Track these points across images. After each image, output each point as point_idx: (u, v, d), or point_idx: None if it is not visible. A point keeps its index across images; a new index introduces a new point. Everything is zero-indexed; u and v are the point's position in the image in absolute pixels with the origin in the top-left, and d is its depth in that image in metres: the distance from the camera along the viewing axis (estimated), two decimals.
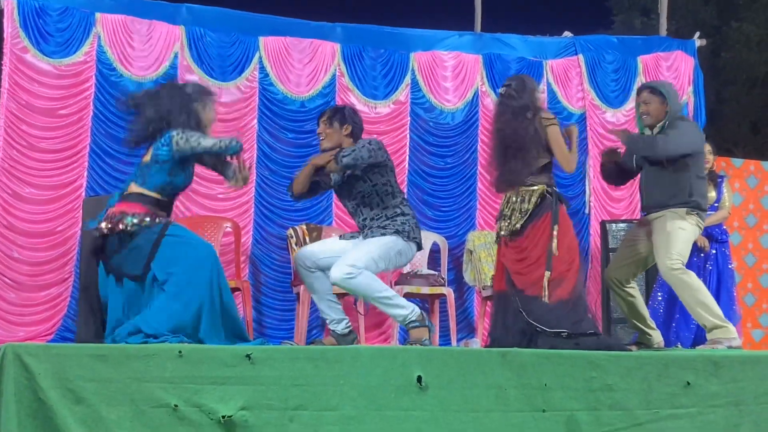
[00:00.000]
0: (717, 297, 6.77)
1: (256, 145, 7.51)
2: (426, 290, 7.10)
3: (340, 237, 5.12)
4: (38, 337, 6.66)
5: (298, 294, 6.91)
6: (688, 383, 4.17)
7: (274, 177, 7.49)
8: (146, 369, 3.59)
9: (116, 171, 7.04)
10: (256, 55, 7.57)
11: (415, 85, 7.98)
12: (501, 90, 5.19)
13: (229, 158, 4.62)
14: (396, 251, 4.87)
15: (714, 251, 6.97)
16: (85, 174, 7.02)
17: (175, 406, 3.57)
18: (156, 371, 3.60)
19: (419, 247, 5.02)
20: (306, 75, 7.70)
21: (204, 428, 3.58)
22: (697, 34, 8.92)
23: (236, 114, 7.47)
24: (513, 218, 4.97)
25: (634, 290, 5.45)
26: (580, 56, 8.40)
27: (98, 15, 7.13)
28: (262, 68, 7.58)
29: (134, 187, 4.46)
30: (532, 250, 4.91)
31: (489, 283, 7.00)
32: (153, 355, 3.62)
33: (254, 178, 7.45)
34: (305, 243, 7.04)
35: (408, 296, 6.66)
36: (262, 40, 7.59)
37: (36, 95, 6.93)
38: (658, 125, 5.34)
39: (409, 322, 4.79)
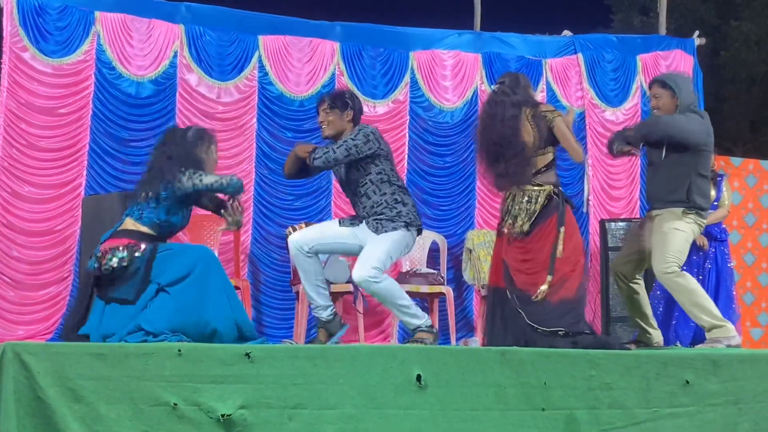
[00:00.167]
0: (716, 296, 6.79)
1: (255, 144, 7.51)
2: (425, 289, 7.10)
3: (340, 222, 5.07)
4: (37, 335, 6.66)
5: (297, 293, 6.91)
6: (687, 382, 4.18)
7: (273, 176, 7.49)
8: (145, 367, 3.59)
9: (115, 170, 7.05)
10: (256, 54, 7.57)
11: (414, 84, 7.98)
12: (494, 87, 5.13)
13: (227, 198, 4.66)
14: (405, 244, 4.92)
15: (713, 250, 6.98)
16: (85, 173, 7.01)
17: (175, 404, 3.57)
18: (155, 370, 3.60)
19: (420, 232, 5.04)
20: (305, 74, 7.70)
21: (203, 427, 3.58)
22: (697, 32, 8.92)
23: (235, 113, 7.48)
24: (520, 218, 4.92)
25: (640, 287, 5.41)
26: (580, 55, 8.40)
27: (98, 14, 7.12)
28: (261, 67, 7.58)
29: (129, 223, 4.46)
30: (538, 253, 4.87)
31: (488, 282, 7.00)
32: (152, 354, 3.62)
33: (253, 177, 7.46)
34: None
35: (407, 295, 6.65)
36: (261, 39, 7.59)
37: (35, 94, 6.92)
38: None
39: (417, 329, 4.82)
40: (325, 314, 4.94)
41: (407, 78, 7.96)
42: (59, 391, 3.51)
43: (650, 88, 5.46)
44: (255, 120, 7.53)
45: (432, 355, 3.93)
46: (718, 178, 6.95)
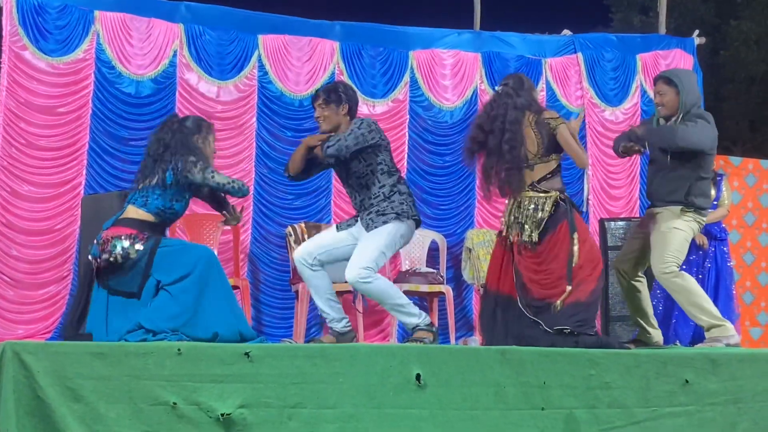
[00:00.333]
0: (716, 295, 6.80)
1: (255, 144, 7.50)
2: (425, 288, 7.11)
3: (337, 227, 5.08)
4: (37, 334, 6.66)
5: (296, 292, 6.92)
6: (687, 381, 4.18)
7: (272, 175, 7.49)
8: (145, 367, 3.59)
9: (115, 169, 7.04)
10: (255, 53, 7.56)
11: (414, 84, 7.98)
12: (498, 88, 5.04)
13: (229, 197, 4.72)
14: (399, 235, 4.88)
15: (713, 249, 6.98)
16: (84, 172, 7.01)
17: (174, 404, 3.58)
18: (155, 369, 3.60)
19: (418, 224, 5.02)
20: (305, 73, 7.70)
21: (202, 426, 3.59)
22: (696, 32, 8.92)
23: (235, 112, 7.47)
24: (527, 227, 4.82)
25: (642, 285, 5.39)
26: (579, 54, 8.40)
27: (97, 13, 7.12)
28: (261, 66, 7.58)
29: (132, 211, 4.47)
30: (553, 262, 4.78)
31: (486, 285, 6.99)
32: (152, 353, 3.63)
33: (253, 176, 7.46)
34: (304, 241, 7.03)
35: (407, 294, 6.62)
36: (261, 38, 7.59)
37: (35, 93, 6.92)
38: (673, 118, 5.20)
39: (416, 328, 4.81)
40: (339, 326, 4.92)
41: (407, 77, 7.95)
42: (59, 391, 3.51)
43: (655, 84, 5.38)
44: (255, 119, 7.53)
45: (431, 355, 3.93)
46: (718, 178, 6.95)
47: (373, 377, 3.80)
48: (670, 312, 6.80)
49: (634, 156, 8.13)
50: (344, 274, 4.73)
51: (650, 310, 5.46)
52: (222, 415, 3.59)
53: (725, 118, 14.99)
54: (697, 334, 6.31)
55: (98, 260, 4.37)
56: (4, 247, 6.77)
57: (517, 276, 4.88)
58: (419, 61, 8.01)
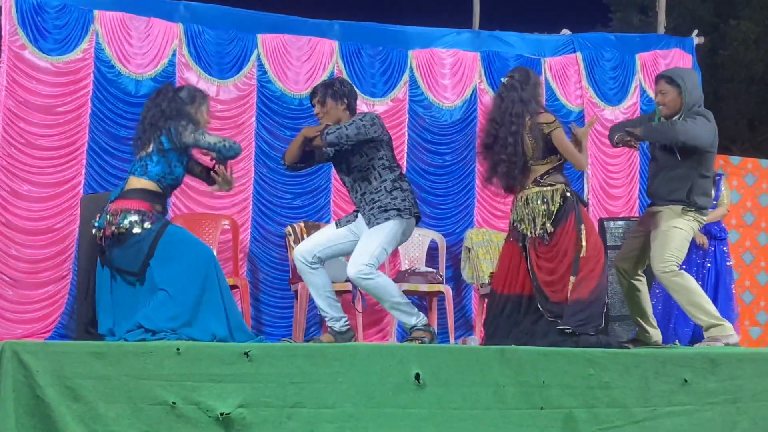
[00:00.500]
0: (715, 294, 6.80)
1: (254, 143, 7.50)
2: (424, 288, 7.11)
3: (337, 224, 5.08)
4: (36, 334, 6.65)
5: (296, 291, 6.91)
6: (686, 381, 4.18)
7: (272, 174, 7.49)
8: (144, 366, 3.59)
9: (114, 168, 7.03)
10: (255, 53, 7.56)
11: (413, 83, 7.98)
12: (504, 80, 5.03)
13: (218, 163, 4.66)
14: (401, 232, 4.89)
15: (713, 249, 6.99)
16: (83, 171, 7.00)
17: (173, 403, 3.58)
18: (154, 368, 3.60)
19: (418, 220, 5.03)
20: (304, 72, 7.69)
21: (202, 426, 3.59)
22: (695, 31, 8.93)
23: (234, 111, 7.47)
24: (539, 219, 4.83)
25: (642, 284, 5.39)
26: (579, 54, 8.40)
27: (96, 12, 7.11)
28: (260, 66, 7.57)
29: (134, 181, 4.48)
30: (564, 257, 4.80)
31: (487, 281, 7.00)
32: (151, 353, 3.63)
33: (252, 175, 7.46)
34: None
35: (406, 294, 6.65)
36: (260, 37, 7.59)
37: (34, 93, 6.92)
38: (675, 117, 5.19)
39: (414, 328, 4.82)
40: (338, 325, 4.92)
41: (406, 76, 7.95)
42: (58, 390, 3.51)
43: (656, 83, 5.37)
44: (254, 118, 7.53)
45: (431, 354, 3.93)
46: (717, 177, 6.95)
47: (372, 377, 3.80)
48: (669, 311, 6.81)
49: (633, 154, 8.22)
50: (339, 274, 4.74)
51: (650, 310, 5.46)
52: (221, 414, 3.59)
53: (724, 117, 14.99)
54: (697, 334, 6.31)
55: (104, 231, 4.36)
56: (4, 247, 6.76)
57: (533, 279, 4.89)
58: (418, 61, 8.00)
